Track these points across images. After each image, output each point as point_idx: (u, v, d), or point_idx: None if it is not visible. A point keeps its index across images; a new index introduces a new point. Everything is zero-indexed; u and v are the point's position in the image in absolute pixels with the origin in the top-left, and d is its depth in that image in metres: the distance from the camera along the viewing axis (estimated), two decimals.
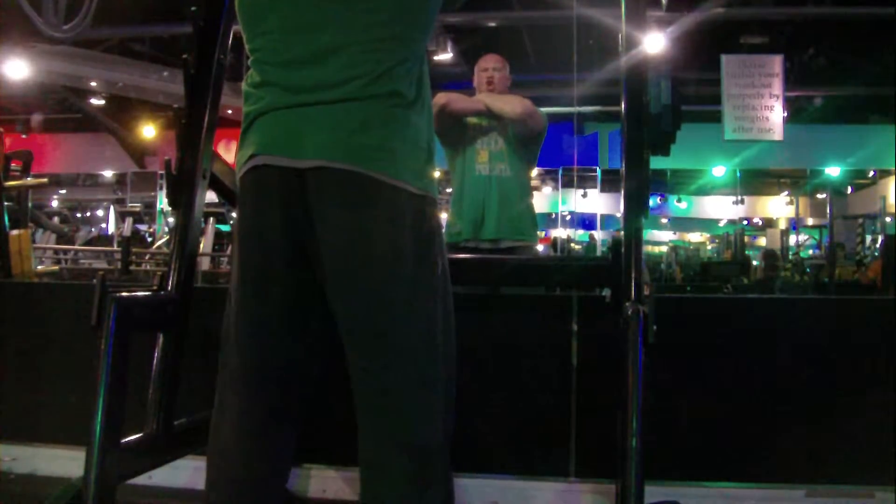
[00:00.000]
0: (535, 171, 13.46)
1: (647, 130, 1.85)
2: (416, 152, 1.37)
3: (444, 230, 1.38)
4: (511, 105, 2.83)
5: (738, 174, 14.03)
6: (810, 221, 17.30)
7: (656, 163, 2.02)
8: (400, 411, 1.34)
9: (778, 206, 17.27)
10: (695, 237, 21.42)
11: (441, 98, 2.89)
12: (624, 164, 1.90)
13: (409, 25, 1.40)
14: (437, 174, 1.48)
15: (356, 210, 1.33)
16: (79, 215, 17.28)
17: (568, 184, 12.98)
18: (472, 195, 2.97)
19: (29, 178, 5.35)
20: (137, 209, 14.12)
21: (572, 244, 13.66)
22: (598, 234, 13.55)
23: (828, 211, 13.07)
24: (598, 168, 12.28)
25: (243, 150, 1.44)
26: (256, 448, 1.45)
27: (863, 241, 12.94)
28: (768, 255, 10.08)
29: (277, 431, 1.47)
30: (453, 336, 1.42)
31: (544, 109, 3.03)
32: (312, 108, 1.34)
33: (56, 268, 7.50)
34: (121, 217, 13.73)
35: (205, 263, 8.76)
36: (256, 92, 1.42)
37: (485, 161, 2.93)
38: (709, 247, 20.66)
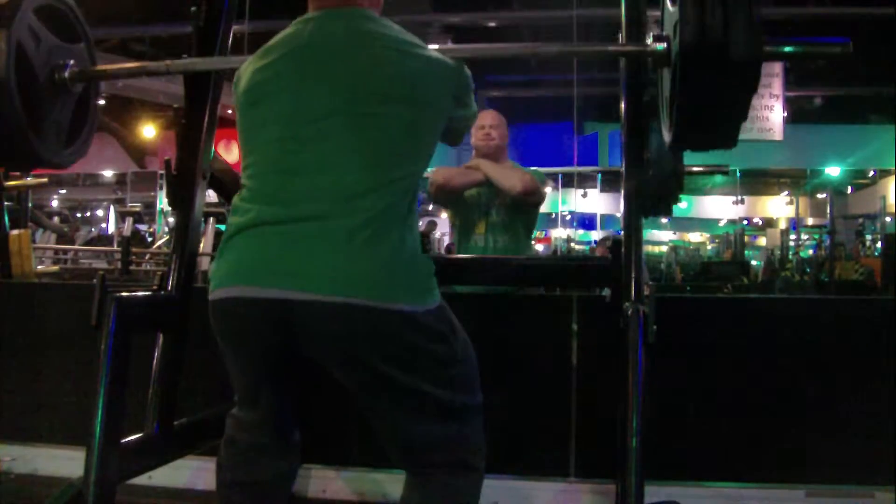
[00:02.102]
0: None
1: (646, 194, 1.83)
2: (409, 268, 1.33)
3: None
4: (511, 181, 2.74)
5: (738, 174, 14.03)
6: (810, 221, 17.31)
7: None
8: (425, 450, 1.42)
9: (778, 206, 17.28)
10: (695, 237, 21.43)
11: (439, 176, 2.83)
12: (624, 164, 1.90)
13: (410, 153, 1.38)
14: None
15: (353, 341, 1.29)
16: (79, 215, 17.28)
17: (568, 184, 12.99)
18: None
19: (29, 178, 5.35)
20: (137, 209, 14.11)
21: (572, 244, 13.66)
22: (598, 234, 13.56)
23: (828, 211, 13.07)
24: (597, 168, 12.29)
25: (224, 264, 1.36)
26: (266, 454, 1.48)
27: (863, 242, 12.94)
28: (769, 263, 10.14)
29: (284, 438, 1.51)
30: (472, 366, 1.49)
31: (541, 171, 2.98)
32: (300, 232, 1.29)
33: (56, 268, 7.49)
34: (121, 217, 13.71)
35: (205, 263, 8.73)
36: (244, 205, 1.38)
37: (482, 232, 2.87)
38: (709, 247, 20.67)
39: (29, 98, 1.65)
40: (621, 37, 1.96)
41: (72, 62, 1.78)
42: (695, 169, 2.60)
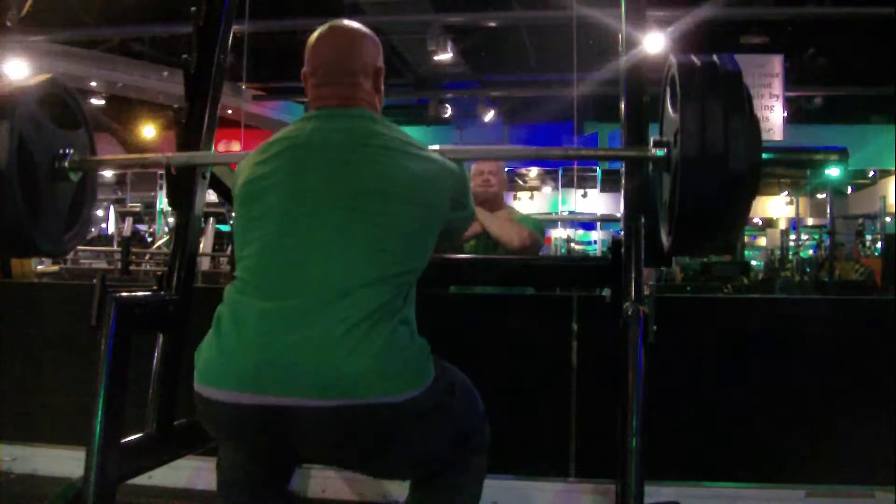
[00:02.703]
0: (535, 172, 13.29)
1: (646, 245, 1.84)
2: (402, 358, 1.30)
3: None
4: (509, 237, 2.73)
5: None
6: (810, 221, 17.30)
7: None
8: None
9: (778, 206, 17.27)
10: None
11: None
12: (624, 165, 1.90)
13: (407, 251, 1.37)
14: None
15: (349, 441, 1.28)
16: None
17: (568, 184, 12.99)
18: None
19: None
20: (137, 209, 14.10)
21: (572, 244, 13.65)
22: (599, 234, 13.56)
23: (828, 211, 13.06)
24: (598, 168, 12.30)
25: (213, 358, 1.33)
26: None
27: (863, 242, 12.94)
28: (769, 263, 10.15)
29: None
30: (473, 402, 1.52)
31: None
32: (292, 331, 1.26)
33: (56, 268, 7.50)
34: (121, 217, 13.71)
35: (205, 263, 8.75)
36: (236, 297, 1.36)
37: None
38: None
39: (29, 187, 1.65)
40: (621, 37, 1.96)
41: (71, 151, 1.78)
42: None
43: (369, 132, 1.43)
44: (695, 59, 1.46)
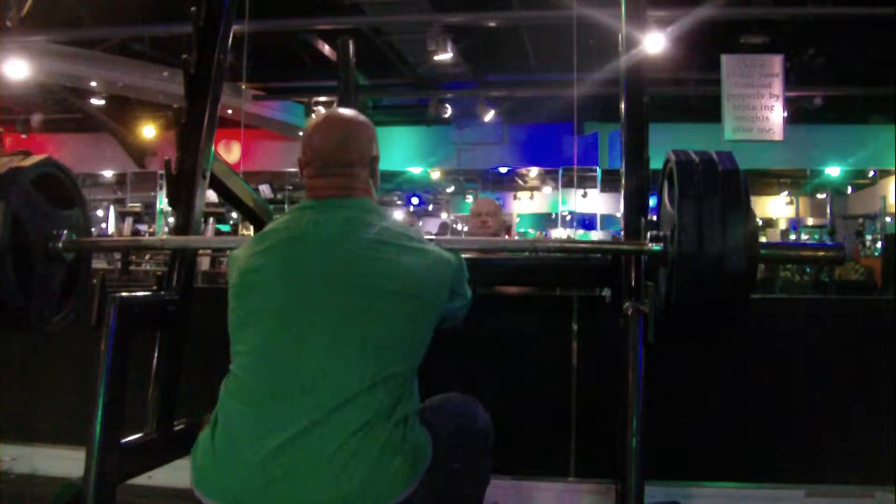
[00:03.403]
0: (535, 172, 13.24)
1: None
2: (401, 455, 1.29)
3: None
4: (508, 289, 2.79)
5: None
6: (810, 221, 17.29)
7: (656, 163, 2.02)
8: None
9: (778, 206, 17.26)
10: None
11: None
12: (624, 164, 1.90)
13: (405, 348, 1.36)
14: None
15: None
16: None
17: (568, 184, 12.98)
18: None
19: None
20: (137, 209, 14.10)
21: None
22: (599, 234, 13.54)
23: (828, 211, 13.08)
24: (598, 168, 12.29)
25: (210, 460, 1.33)
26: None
27: (863, 242, 12.94)
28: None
29: None
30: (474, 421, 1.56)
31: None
32: (286, 444, 1.25)
33: None
34: (121, 217, 13.71)
35: (205, 263, 8.75)
36: (230, 401, 1.34)
37: None
38: None
39: (21, 267, 1.65)
40: (621, 37, 1.96)
41: (65, 232, 1.78)
42: None
43: (366, 224, 1.42)
44: (693, 155, 1.46)
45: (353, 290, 1.34)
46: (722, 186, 1.39)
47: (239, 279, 1.43)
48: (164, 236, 1.90)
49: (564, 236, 13.55)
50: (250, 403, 1.31)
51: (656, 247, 1.55)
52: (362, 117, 1.56)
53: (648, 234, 1.59)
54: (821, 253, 1.59)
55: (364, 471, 1.24)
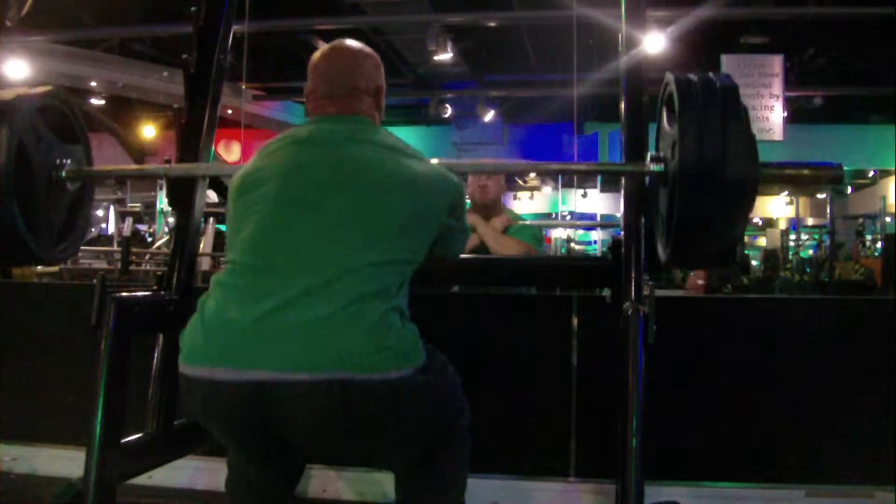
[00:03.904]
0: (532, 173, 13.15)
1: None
2: (397, 341, 1.31)
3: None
4: (507, 254, 2.77)
5: None
6: (810, 221, 17.29)
7: None
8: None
9: (778, 206, 17.26)
10: None
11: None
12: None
13: (402, 241, 1.37)
14: None
15: (350, 417, 1.27)
16: None
17: (568, 184, 12.99)
18: None
19: None
20: (137, 209, 14.10)
21: (572, 244, 13.66)
22: (599, 234, 13.55)
23: (828, 211, 13.06)
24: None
25: (199, 337, 1.32)
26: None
27: (863, 242, 12.94)
28: (769, 255, 10.10)
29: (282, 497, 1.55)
30: (457, 386, 1.49)
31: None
32: (282, 308, 1.25)
33: (56, 268, 7.49)
34: (121, 217, 13.70)
35: (205, 263, 8.73)
36: (224, 278, 1.35)
37: (480, 290, 2.91)
38: None
39: (25, 193, 1.66)
40: (621, 37, 1.96)
41: (69, 161, 1.78)
42: None
43: (371, 133, 1.45)
44: (692, 76, 1.48)
45: (357, 183, 1.35)
46: (721, 101, 1.41)
47: (239, 182, 1.44)
48: (168, 165, 1.91)
49: (564, 236, 13.56)
50: (245, 277, 1.32)
51: (657, 167, 1.56)
52: (368, 49, 1.57)
53: (648, 155, 1.61)
54: (820, 172, 1.60)
55: (362, 336, 1.25)
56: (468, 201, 2.94)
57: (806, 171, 1.61)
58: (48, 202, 1.76)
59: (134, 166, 2.09)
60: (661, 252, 1.63)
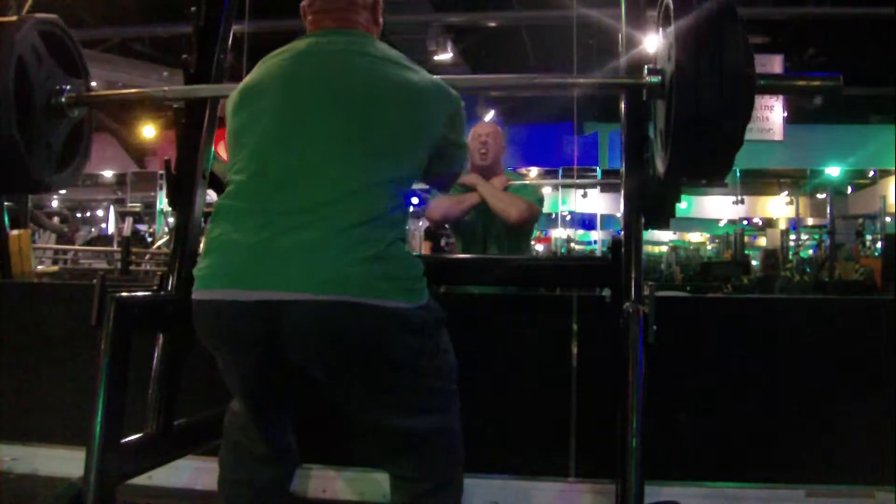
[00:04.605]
0: (535, 172, 13.29)
1: (645, 199, 1.84)
2: (403, 268, 1.33)
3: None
4: (507, 210, 2.73)
5: (738, 174, 14.04)
6: (810, 221, 17.30)
7: None
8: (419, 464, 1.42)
9: (778, 206, 17.27)
10: (695, 237, 21.42)
11: (437, 213, 2.88)
12: (624, 164, 1.90)
13: (401, 156, 1.38)
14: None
15: (351, 340, 1.29)
16: (79, 215, 17.28)
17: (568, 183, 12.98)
18: None
19: None
20: (137, 209, 14.12)
21: (572, 244, 13.67)
22: (599, 234, 13.56)
23: (828, 211, 13.08)
24: (598, 168, 12.29)
25: (207, 264, 1.34)
26: (265, 450, 1.48)
27: (863, 242, 12.95)
28: (768, 254, 10.13)
29: (283, 439, 1.53)
30: (455, 371, 1.47)
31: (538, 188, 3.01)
32: (288, 231, 1.27)
33: (56, 268, 7.50)
34: (121, 217, 13.72)
35: None
36: (228, 203, 1.36)
37: (480, 249, 2.91)
38: (709, 247, 20.66)
39: (24, 117, 1.66)
40: (621, 37, 1.96)
41: (68, 87, 1.79)
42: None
43: (368, 45, 1.44)
44: None
45: (354, 97, 1.36)
46: (718, 13, 1.41)
47: (239, 96, 1.45)
48: (167, 87, 1.91)
49: (564, 236, 13.57)
50: (247, 200, 1.33)
51: (654, 79, 1.57)
52: None
53: (645, 67, 1.62)
54: (817, 83, 1.60)
55: (367, 262, 1.26)
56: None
57: (803, 82, 1.62)
58: (48, 126, 1.76)
59: (136, 90, 2.09)
60: (661, 166, 1.63)
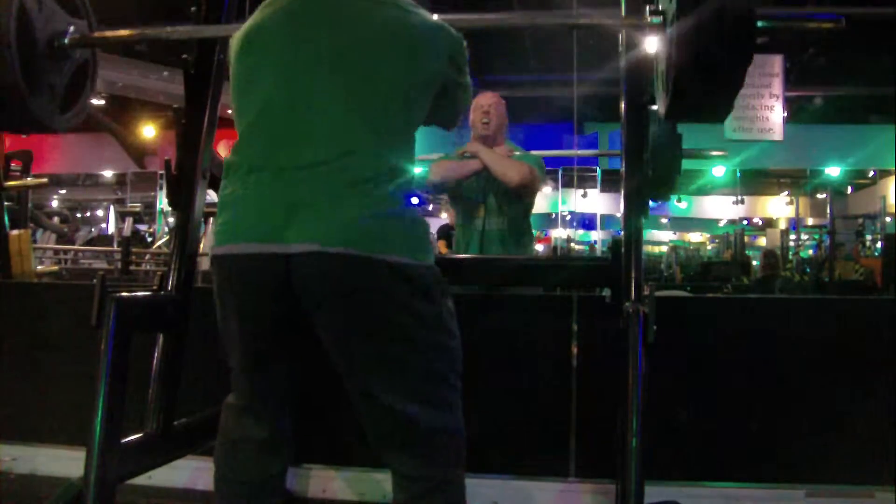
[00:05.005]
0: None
1: (646, 174, 1.84)
2: (410, 225, 1.34)
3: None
4: (509, 173, 2.74)
5: (738, 174, 14.04)
6: (810, 221, 17.30)
7: None
8: (414, 443, 1.39)
9: (778, 206, 17.27)
10: (695, 237, 21.42)
11: (437, 174, 2.88)
12: (624, 165, 1.90)
13: (406, 108, 1.39)
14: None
15: (356, 293, 1.29)
16: (79, 215, 17.28)
17: (568, 184, 12.98)
18: (471, 248, 2.95)
19: (29, 178, 5.36)
20: (137, 209, 14.11)
21: (572, 244, 13.66)
22: (599, 234, 13.56)
23: (828, 211, 13.07)
24: (598, 168, 12.28)
25: (223, 222, 1.36)
26: (263, 447, 1.48)
27: (863, 243, 12.94)
28: (767, 254, 10.12)
29: (280, 430, 1.50)
30: (459, 362, 1.45)
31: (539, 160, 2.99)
32: (298, 181, 1.29)
33: (56, 268, 7.50)
34: (121, 217, 13.72)
35: (205, 263, 8.72)
36: (237, 160, 1.37)
37: (481, 216, 2.91)
38: (709, 247, 20.66)
39: (27, 59, 1.66)
40: (621, 37, 1.96)
41: (71, 28, 1.79)
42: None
43: None
44: None
45: (355, 48, 1.36)
46: None
47: (244, 40, 1.44)
48: (170, 28, 1.91)
49: (564, 236, 13.56)
50: (256, 157, 1.34)
51: (655, 19, 1.58)
52: None
53: (647, 8, 1.63)
54: (818, 24, 1.61)
55: (374, 214, 1.28)
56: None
57: (804, 22, 1.62)
58: (51, 68, 1.76)
59: (152, 29, 2.05)
60: (661, 107, 1.64)
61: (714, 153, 2.85)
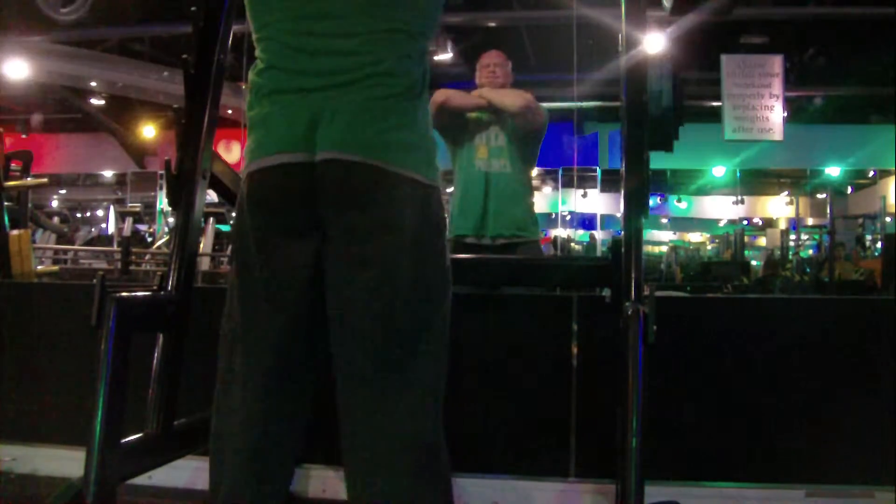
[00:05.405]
0: (535, 172, 13.37)
1: (649, 128, 1.84)
2: (424, 143, 1.39)
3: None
4: (511, 98, 2.83)
5: (738, 174, 14.04)
6: (810, 221, 17.30)
7: (656, 163, 2.02)
8: (404, 410, 1.33)
9: (778, 206, 17.27)
10: (695, 237, 21.42)
11: (440, 95, 2.89)
12: (624, 164, 1.90)
13: (420, 18, 1.40)
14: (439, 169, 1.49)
15: (370, 201, 1.32)
16: (79, 215, 17.28)
17: (568, 184, 12.99)
18: (471, 192, 2.98)
19: (29, 178, 5.35)
20: (137, 209, 14.10)
21: (572, 244, 13.66)
22: (599, 234, 13.56)
23: (828, 211, 13.08)
24: (598, 168, 12.29)
25: (253, 141, 1.40)
26: (262, 445, 1.45)
27: (862, 245, 12.94)
28: (769, 263, 10.17)
29: (285, 430, 1.47)
30: (447, 335, 1.41)
31: (545, 105, 3.03)
32: (321, 98, 1.33)
33: (56, 268, 7.48)
34: (121, 217, 13.70)
35: (205, 263, 8.75)
36: (258, 80, 1.41)
37: (484, 157, 2.94)
38: (709, 247, 20.66)
39: None
40: (621, 37, 1.96)
41: None
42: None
43: None
44: None
45: None
46: None
47: None
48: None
49: (565, 235, 13.57)
50: (277, 74, 1.37)
51: None
52: None
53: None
54: None
55: (388, 132, 1.32)
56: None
57: None
58: None
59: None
60: (667, 2, 1.66)
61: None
